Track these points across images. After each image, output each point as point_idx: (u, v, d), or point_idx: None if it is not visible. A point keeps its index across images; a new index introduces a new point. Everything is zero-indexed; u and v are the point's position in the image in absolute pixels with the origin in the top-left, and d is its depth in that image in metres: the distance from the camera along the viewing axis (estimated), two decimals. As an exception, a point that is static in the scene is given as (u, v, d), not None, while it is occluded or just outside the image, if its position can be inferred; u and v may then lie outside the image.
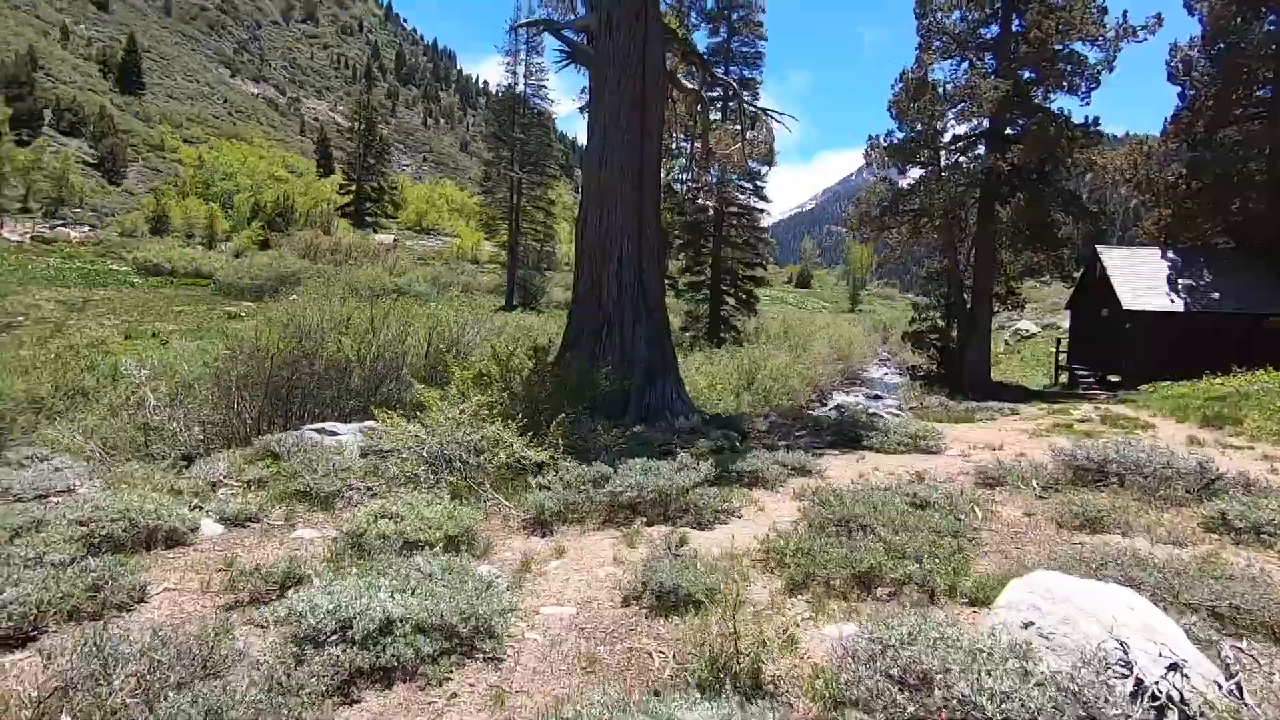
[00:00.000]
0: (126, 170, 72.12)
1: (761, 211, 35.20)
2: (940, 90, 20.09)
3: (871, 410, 13.39)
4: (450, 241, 77.12)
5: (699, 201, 35.70)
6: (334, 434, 8.63)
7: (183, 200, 66.72)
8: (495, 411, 7.10)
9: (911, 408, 14.35)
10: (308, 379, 11.87)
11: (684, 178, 35.06)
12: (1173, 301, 20.17)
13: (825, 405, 30.65)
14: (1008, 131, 20.25)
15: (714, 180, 34.34)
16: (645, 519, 5.75)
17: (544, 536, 5.39)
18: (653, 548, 5.01)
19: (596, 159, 13.04)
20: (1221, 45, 21.16)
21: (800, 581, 4.31)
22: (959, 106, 20.10)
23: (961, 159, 21.02)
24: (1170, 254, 21.42)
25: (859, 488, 6.49)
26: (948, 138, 20.98)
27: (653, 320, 12.77)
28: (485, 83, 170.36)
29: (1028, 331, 36.36)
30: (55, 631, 3.65)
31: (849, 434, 9.69)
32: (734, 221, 35.17)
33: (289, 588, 4.16)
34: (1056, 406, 15.40)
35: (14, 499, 5.89)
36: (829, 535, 5.04)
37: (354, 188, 68.08)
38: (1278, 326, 19.46)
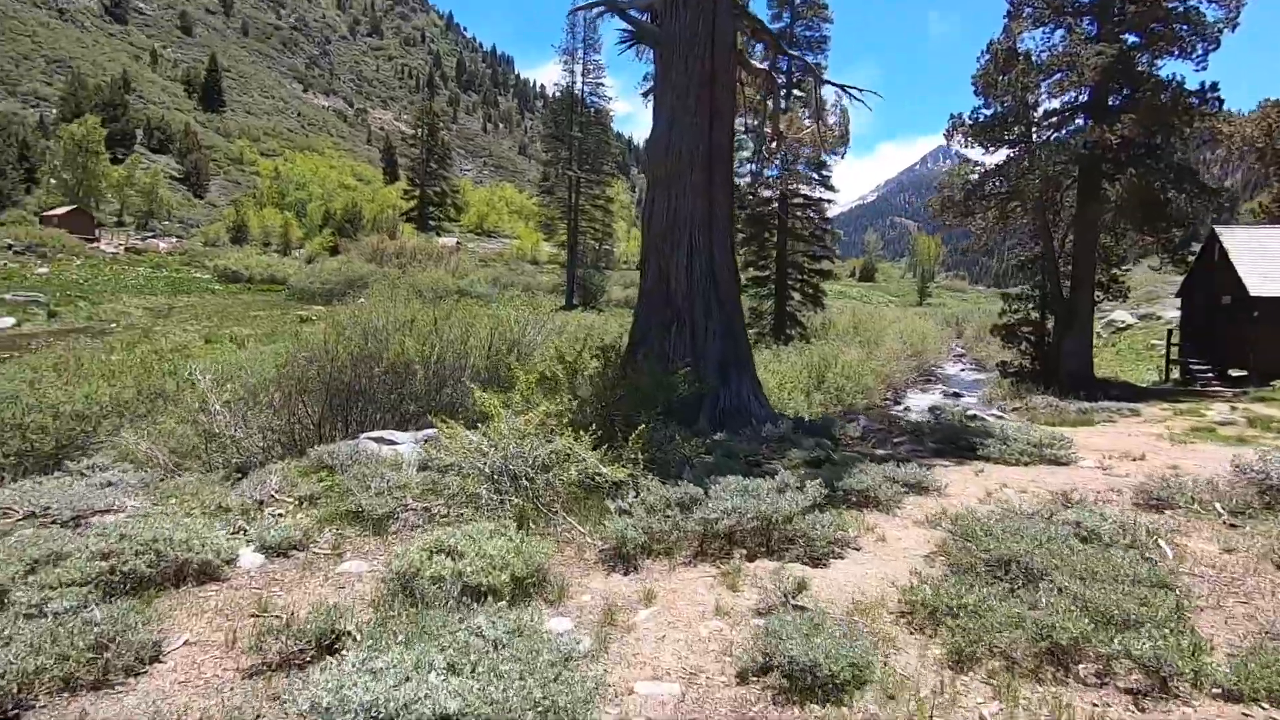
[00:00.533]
0: (209, 183, 75.44)
1: (828, 202, 33.54)
2: (1033, 60, 18.28)
3: (971, 412, 12.01)
4: (510, 243, 77.76)
5: (762, 193, 34.33)
6: (392, 443, 7.98)
7: (260, 210, 69.28)
8: (564, 421, 6.25)
9: (1015, 409, 12.86)
10: (368, 382, 11.38)
11: (747, 169, 33.74)
12: (1308, 286, 17.82)
13: (900, 404, 28.92)
14: (1110, 103, 18.26)
15: (777, 170, 32.94)
16: (745, 550, 4.78)
17: (627, 574, 4.48)
18: (762, 593, 4.04)
19: (663, 144, 12.08)
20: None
21: (968, 653, 3.26)
22: (1054, 77, 18.21)
23: (1056, 135, 19.09)
24: (1302, 233, 19.00)
25: (999, 512, 5.35)
26: (1040, 113, 19.12)
27: (725, 313, 11.75)
28: (542, 86, 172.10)
29: (1123, 323, 33.48)
30: (44, 708, 2.95)
31: (960, 441, 8.45)
32: (798, 213, 33.64)
33: (326, 646, 3.39)
34: (1182, 406, 13.59)
35: (49, 521, 5.38)
36: (986, 582, 3.96)
37: (418, 193, 69.24)
38: None
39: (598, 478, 5.69)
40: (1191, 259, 20.57)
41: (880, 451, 8.60)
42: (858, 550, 4.94)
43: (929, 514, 5.71)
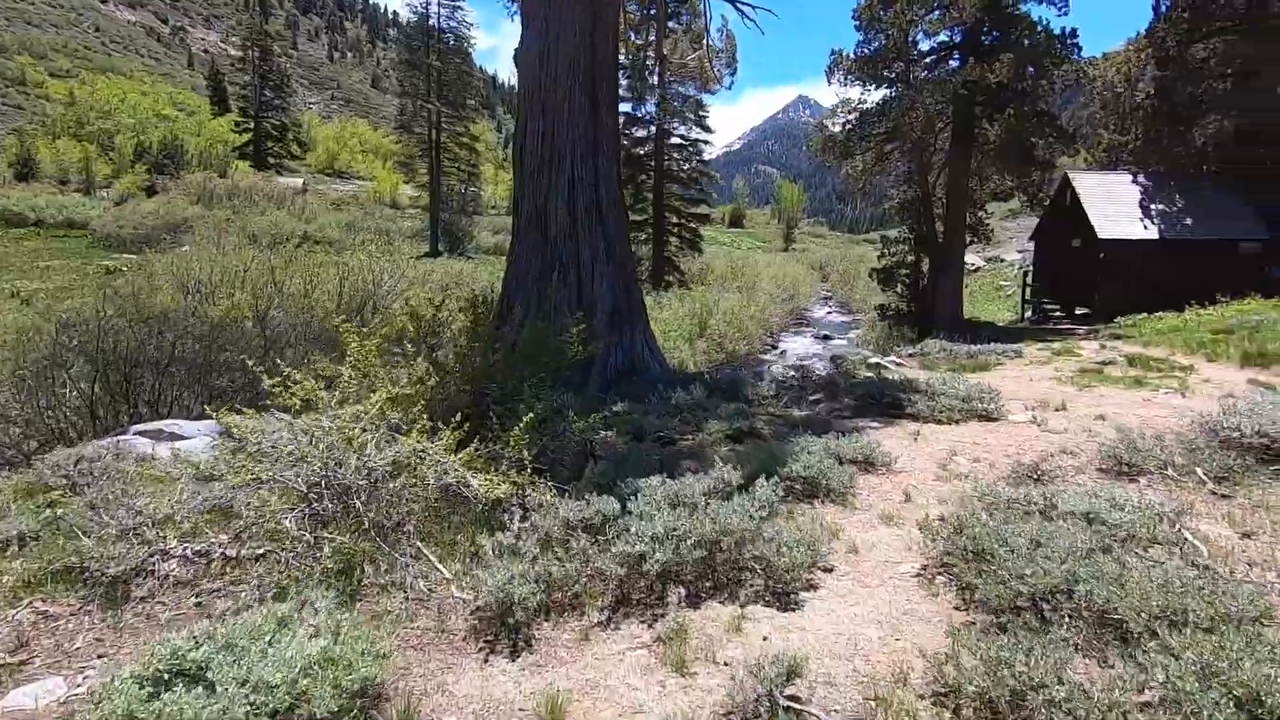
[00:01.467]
0: (-21, 107, 62.21)
1: (705, 144, 32.35)
2: (915, -5, 17.65)
3: (873, 360, 11.30)
4: (366, 185, 70.84)
5: (636, 132, 32.50)
6: (177, 437, 5.77)
7: (53, 142, 58.01)
8: (417, 406, 4.43)
9: (910, 354, 12.39)
10: (166, 350, 8.77)
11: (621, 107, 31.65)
12: (1146, 229, 18.91)
13: (778, 348, 28.94)
14: (983, 42, 18.05)
15: (654, 106, 31.15)
16: (684, 590, 3.33)
17: (515, 655, 2.89)
18: (730, 681, 2.60)
19: (536, 54, 10.04)
20: (1200, -52, 19.43)
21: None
22: (934, 13, 17.70)
23: (933, 75, 18.75)
24: (1141, 179, 20.10)
25: (984, 498, 4.26)
26: (917, 51, 18.65)
27: (616, 256, 10.15)
28: (394, 13, 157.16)
29: (974, 266, 35.31)
30: None
31: (883, 398, 7.48)
32: (675, 154, 32.25)
33: None
34: (1056, 346, 13.77)
35: None
36: (1039, 633, 2.74)
37: (252, 126, 60.80)
38: (1254, 252, 18.49)
39: (466, 488, 3.99)
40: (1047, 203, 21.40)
41: (799, 413, 7.48)
42: (829, 572, 3.63)
43: (893, 505, 4.54)
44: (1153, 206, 19.42)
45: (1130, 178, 20.34)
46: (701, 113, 31.80)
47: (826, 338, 31.35)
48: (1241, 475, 4.77)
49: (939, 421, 6.93)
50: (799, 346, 29.69)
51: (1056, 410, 7.52)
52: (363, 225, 50.35)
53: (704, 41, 13.80)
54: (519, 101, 10.74)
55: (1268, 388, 8.62)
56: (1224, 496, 4.55)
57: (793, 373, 9.15)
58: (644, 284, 31.34)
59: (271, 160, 59.87)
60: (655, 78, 29.61)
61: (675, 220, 32.48)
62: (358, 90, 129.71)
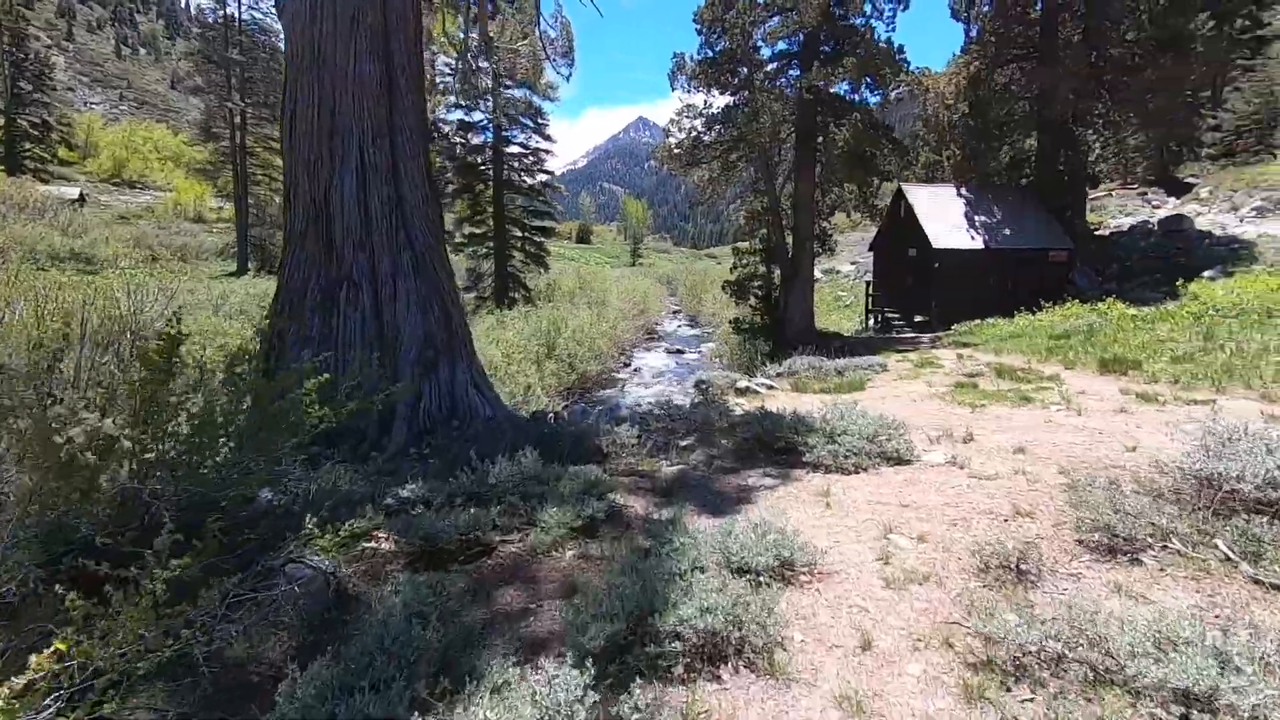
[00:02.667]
0: None
1: (546, 153, 30.33)
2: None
3: (742, 384, 9.78)
4: (165, 196, 61.35)
5: (473, 140, 29.86)
6: None
7: None
8: None
9: (778, 374, 11.10)
10: None
11: (451, 114, 28.88)
12: (973, 239, 19.55)
13: (631, 365, 27.50)
14: (821, 52, 17.68)
15: (488, 112, 28.66)
16: None
17: None
18: None
19: (306, 2, 7.53)
20: (999, -20, 20.62)
21: None
22: (775, 19, 17.03)
23: (775, 84, 18.13)
24: (964, 191, 20.91)
25: (995, 660, 2.54)
26: (760, 57, 17.94)
27: (426, 267, 7.82)
28: (199, 7, 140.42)
29: (814, 278, 36.33)
30: None
31: (775, 441, 5.80)
32: (515, 164, 29.96)
33: None
34: (914, 357, 13.23)
35: None
36: None
37: (1, 123, 50.21)
38: (1061, 260, 19.63)
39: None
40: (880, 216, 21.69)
41: (669, 468, 5.61)
42: None
43: (848, 664, 2.72)
44: (976, 218, 20.12)
45: (955, 190, 21.06)
46: (541, 120, 29.80)
47: (679, 352, 30.43)
48: (1267, 544, 3.48)
49: (845, 470, 5.34)
50: (653, 362, 28.45)
51: (965, 441, 6.26)
52: (155, 242, 43.06)
53: (536, 24, 11.78)
54: (285, 64, 8.07)
55: (1143, 399, 8.12)
56: (1256, 581, 3.21)
57: (655, 408, 7.30)
58: (487, 301, 28.69)
59: (30, 164, 49.72)
60: (489, 80, 27.24)
61: (519, 233, 30.12)
62: (154, 91, 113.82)
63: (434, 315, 7.70)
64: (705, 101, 17.71)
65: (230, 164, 38.48)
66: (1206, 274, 18.01)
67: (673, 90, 18.28)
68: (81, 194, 53.65)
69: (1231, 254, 19.02)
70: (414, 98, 7.96)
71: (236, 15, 38.54)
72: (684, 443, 6.30)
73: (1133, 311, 14.89)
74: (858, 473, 5.31)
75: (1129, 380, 9.41)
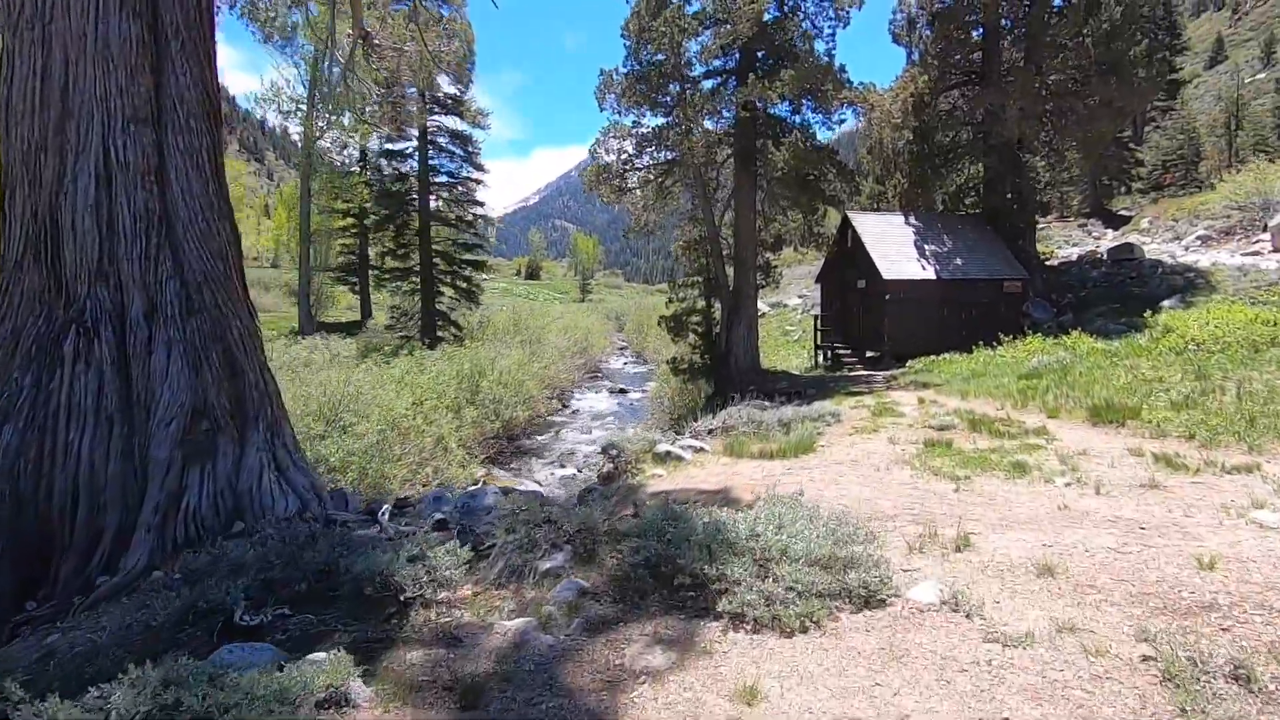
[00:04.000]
0: None
1: (476, 181, 28.27)
2: (686, 8, 15.29)
3: (662, 448, 7.65)
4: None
5: (399, 167, 27.61)
6: None
7: None
8: None
9: (710, 430, 9.02)
10: None
11: (371, 142, 26.65)
12: (924, 269, 18.15)
13: (569, 407, 25.19)
14: (759, 67, 16.18)
15: (413, 148, 26.55)
16: None
17: None
18: None
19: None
20: (939, 5, 19.69)
21: None
22: (707, 32, 15.48)
23: (711, 103, 16.52)
24: (913, 219, 19.60)
25: None
26: (694, 73, 16.36)
27: (201, 306, 5.54)
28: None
29: (760, 312, 34.82)
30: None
31: (675, 575, 3.67)
32: (443, 193, 27.79)
33: None
34: (869, 401, 11.38)
35: None
36: None
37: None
38: (1016, 291, 18.36)
39: None
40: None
41: (506, 620, 3.43)
42: None
43: None
44: (927, 247, 18.77)
45: (903, 218, 19.74)
46: (471, 149, 27.81)
47: (623, 391, 28.30)
48: None
49: (784, 628, 3.22)
50: (595, 403, 26.21)
51: (959, 549, 4.24)
52: None
53: (415, 19, 9.77)
54: None
55: (1167, 464, 6.33)
56: None
57: (522, 505, 5.08)
58: (413, 340, 26.12)
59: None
60: (415, 103, 25.14)
61: (446, 268, 27.78)
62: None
63: (212, 372, 5.37)
64: (635, 122, 15.98)
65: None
66: (1166, 304, 16.92)
67: (601, 110, 16.49)
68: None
69: (1188, 283, 18.06)
70: (195, 71, 5.74)
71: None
72: (548, 564, 4.11)
73: (1101, 345, 13.45)
74: (804, 632, 3.20)
75: (1130, 433, 7.66)
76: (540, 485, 14.23)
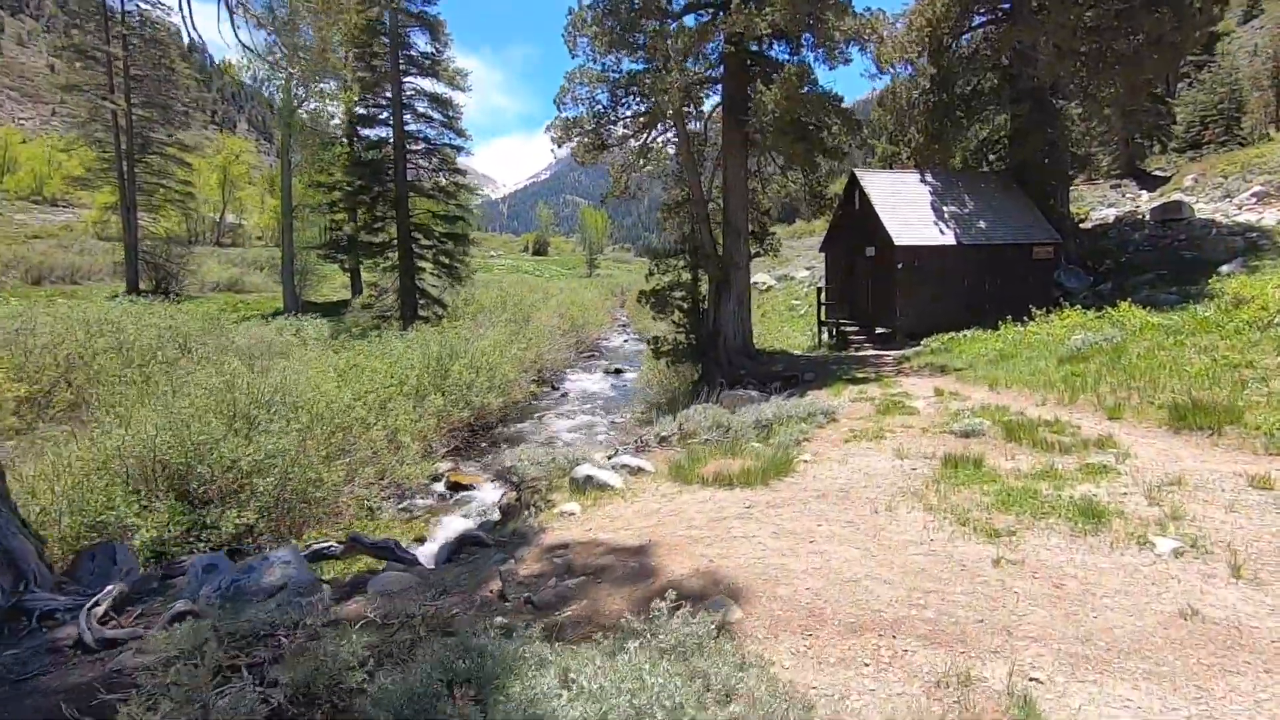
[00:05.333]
0: None
1: (457, 149, 25.96)
2: (661, -73, 12.81)
3: (583, 475, 5.55)
4: (86, 214, 55.68)
5: (375, 133, 25.46)
6: None
7: None
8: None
9: (663, 438, 6.82)
10: None
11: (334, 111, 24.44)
12: (943, 233, 15.72)
13: (559, 389, 23.17)
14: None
15: (386, 113, 24.31)
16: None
17: None
18: None
19: None
20: (961, -72, 16.88)
21: None
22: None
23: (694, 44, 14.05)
24: (929, 177, 17.10)
25: None
26: (676, 6, 13.86)
27: None
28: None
29: (765, 285, 32.25)
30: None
31: None
32: (422, 162, 25.55)
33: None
34: (874, 393, 9.17)
35: None
36: None
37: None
38: (1047, 257, 15.88)
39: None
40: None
41: None
42: None
43: None
44: (945, 208, 16.30)
45: (919, 176, 17.21)
46: (451, 113, 25.47)
47: (618, 371, 26.18)
48: None
49: None
50: (587, 384, 24.09)
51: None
52: (46, 262, 37.79)
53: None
54: None
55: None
56: None
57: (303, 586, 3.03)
58: (389, 320, 24.17)
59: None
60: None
61: (427, 241, 25.63)
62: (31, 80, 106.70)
63: None
64: (605, 67, 13.56)
65: (114, 170, 33.36)
66: (1225, 269, 14.37)
67: (574, 57, 14.14)
68: (-15, 211, 47.83)
69: (1249, 245, 15.44)
70: None
71: (118, 3, 33.53)
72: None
73: (1157, 319, 11.04)
74: None
75: (1234, 446, 5.41)
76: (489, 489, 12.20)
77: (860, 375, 11.22)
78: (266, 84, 27.18)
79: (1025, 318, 13.00)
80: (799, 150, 12.75)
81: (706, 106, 14.15)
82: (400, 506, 11.61)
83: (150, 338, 17.01)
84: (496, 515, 5.93)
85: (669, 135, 14.91)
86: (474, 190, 28.40)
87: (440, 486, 13.04)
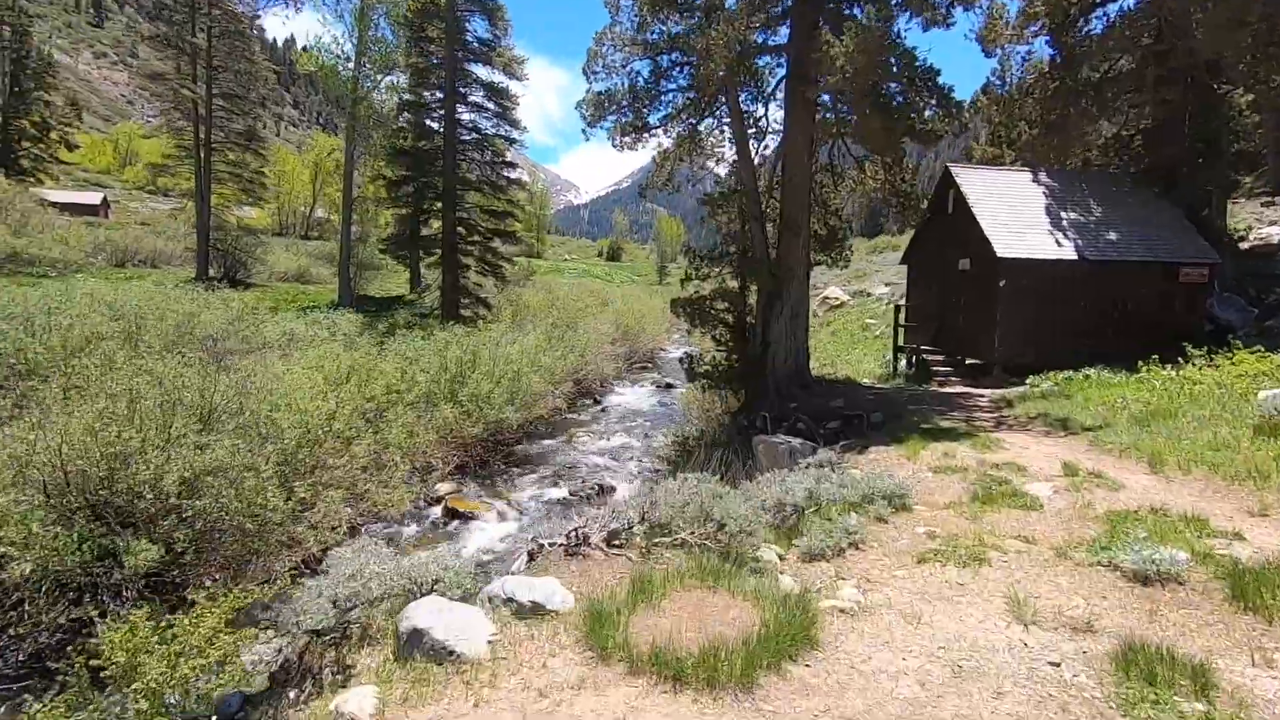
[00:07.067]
0: None
1: (511, 141, 24.18)
2: None
3: (422, 622, 3.21)
4: (187, 203, 58.53)
5: (427, 124, 24.09)
6: None
7: None
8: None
9: (615, 532, 4.31)
10: None
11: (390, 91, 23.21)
12: (1060, 245, 12.44)
13: (601, 404, 20.94)
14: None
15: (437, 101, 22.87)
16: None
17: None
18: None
19: None
20: None
21: None
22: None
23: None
24: (1044, 177, 13.79)
25: None
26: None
27: None
28: None
29: (838, 300, 28.86)
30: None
31: None
32: (472, 154, 23.93)
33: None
34: (966, 455, 6.34)
35: None
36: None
37: None
38: (1198, 281, 12.30)
39: None
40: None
41: None
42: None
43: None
44: (1064, 215, 12.96)
45: (1030, 175, 13.89)
46: (506, 103, 23.76)
47: (669, 386, 23.68)
48: None
49: None
50: (632, 399, 21.69)
51: None
52: (132, 247, 38.89)
53: None
54: None
55: None
56: None
57: None
58: (429, 318, 22.66)
59: (25, 164, 46.61)
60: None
61: (475, 239, 23.96)
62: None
63: None
64: (641, 26, 11.17)
65: (191, 158, 33.75)
66: None
67: (615, 22, 11.80)
68: (105, 200, 50.54)
69: None
70: None
71: (206, -1, 33.94)
72: None
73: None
74: None
75: None
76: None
77: (946, 425, 8.26)
78: (334, 77, 26.36)
79: (1179, 358, 9.65)
80: (877, 127, 9.90)
81: (765, 78, 11.52)
82: (384, 534, 9.70)
83: (168, 326, 15.81)
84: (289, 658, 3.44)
85: (722, 117, 12.35)
86: (524, 185, 26.61)
87: (437, 511, 11.04)
